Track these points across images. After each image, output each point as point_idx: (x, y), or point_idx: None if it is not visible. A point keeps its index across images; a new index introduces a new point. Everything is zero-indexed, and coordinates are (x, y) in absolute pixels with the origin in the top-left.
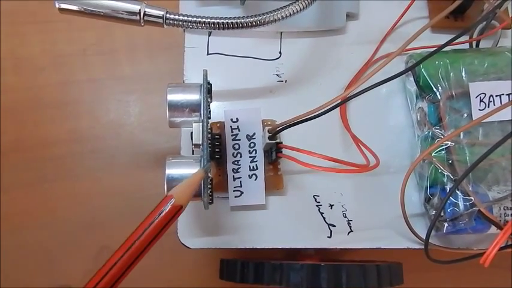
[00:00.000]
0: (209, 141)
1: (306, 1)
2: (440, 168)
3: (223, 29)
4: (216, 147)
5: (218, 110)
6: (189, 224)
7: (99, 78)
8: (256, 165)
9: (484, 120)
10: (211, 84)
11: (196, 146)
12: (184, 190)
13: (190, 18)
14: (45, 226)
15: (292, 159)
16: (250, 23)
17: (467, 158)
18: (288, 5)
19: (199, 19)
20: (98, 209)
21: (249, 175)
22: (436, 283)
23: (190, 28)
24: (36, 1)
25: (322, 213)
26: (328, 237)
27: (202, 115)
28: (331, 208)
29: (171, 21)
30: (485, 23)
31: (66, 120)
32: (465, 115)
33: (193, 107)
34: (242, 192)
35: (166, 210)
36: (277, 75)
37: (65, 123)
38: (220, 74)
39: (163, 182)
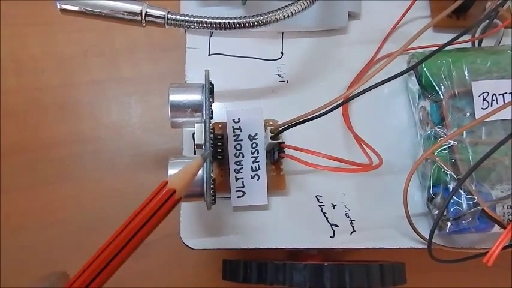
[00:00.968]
0: (211, 142)
1: (308, 1)
2: (443, 168)
3: (224, 29)
4: (218, 147)
5: (220, 110)
6: (191, 224)
7: (100, 80)
8: (258, 165)
9: (487, 119)
10: (213, 85)
11: (199, 146)
12: (180, 176)
13: (192, 19)
14: (46, 227)
15: (295, 159)
16: (252, 23)
17: (470, 157)
18: (290, 5)
19: (201, 19)
20: (99, 210)
21: (251, 175)
22: (439, 283)
23: (192, 28)
24: (36, 3)
25: (324, 213)
26: (330, 237)
27: (204, 115)
28: (334, 208)
29: (172, 22)
30: (487, 21)
31: (67, 121)
32: (468, 114)
33: (196, 107)
34: (244, 193)
35: (160, 196)
36: (279, 75)
37: (66, 125)
38: (222, 75)
39: None
